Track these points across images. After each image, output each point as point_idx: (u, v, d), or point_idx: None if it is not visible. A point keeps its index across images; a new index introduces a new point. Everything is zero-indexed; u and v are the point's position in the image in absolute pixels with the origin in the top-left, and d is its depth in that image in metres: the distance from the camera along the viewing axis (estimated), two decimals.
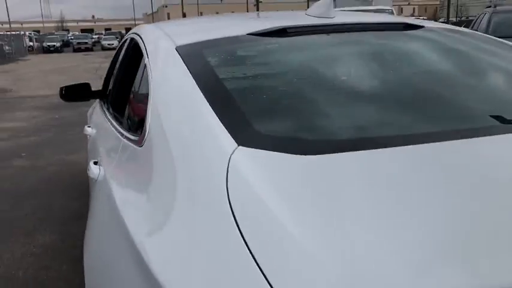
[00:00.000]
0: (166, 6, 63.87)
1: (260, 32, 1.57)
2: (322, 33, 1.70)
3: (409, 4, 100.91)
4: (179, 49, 1.45)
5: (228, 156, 0.92)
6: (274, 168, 0.91)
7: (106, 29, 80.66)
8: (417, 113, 1.24)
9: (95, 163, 1.66)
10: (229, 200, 0.82)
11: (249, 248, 0.73)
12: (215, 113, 1.08)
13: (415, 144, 0.99)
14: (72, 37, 48.30)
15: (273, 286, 0.66)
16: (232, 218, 0.78)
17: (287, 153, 0.93)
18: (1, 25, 63.66)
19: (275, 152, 0.94)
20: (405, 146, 0.98)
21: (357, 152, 0.96)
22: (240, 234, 0.75)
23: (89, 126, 2.71)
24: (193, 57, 1.40)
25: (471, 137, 1.04)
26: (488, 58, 1.70)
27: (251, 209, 0.81)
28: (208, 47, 1.51)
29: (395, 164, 0.94)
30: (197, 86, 1.21)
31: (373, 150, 0.96)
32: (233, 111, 1.13)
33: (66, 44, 44.01)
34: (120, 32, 54.13)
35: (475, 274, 0.69)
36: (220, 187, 0.85)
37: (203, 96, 1.16)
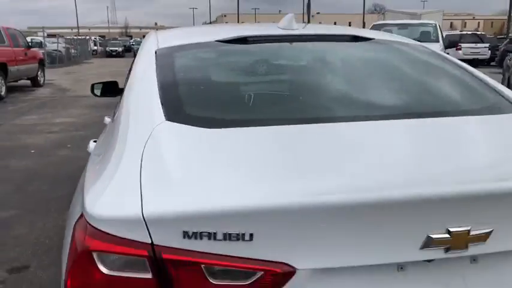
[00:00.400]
0: (225, 16, 65.23)
1: (226, 39, 1.94)
2: (275, 41, 2.06)
3: (473, 19, 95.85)
4: (158, 51, 1.86)
5: (154, 126, 1.32)
6: (183, 134, 1.31)
7: None
8: (305, 103, 1.64)
9: (94, 141, 2.09)
10: (144, 148, 1.23)
11: (141, 173, 1.12)
12: (159, 96, 1.49)
13: (296, 124, 1.38)
14: (134, 43, 50.45)
15: (143, 194, 1.04)
16: (140, 157, 1.18)
17: (196, 126, 1.32)
18: (71, 30, 67.83)
19: (188, 125, 1.32)
20: (284, 126, 1.36)
21: (238, 128, 1.36)
22: (140, 166, 1.15)
23: (108, 117, 3.18)
24: (164, 56, 1.81)
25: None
26: (401, 65, 2.00)
27: (155, 155, 1.21)
28: (179, 49, 1.92)
29: (270, 136, 1.32)
30: (155, 77, 1.61)
31: (254, 127, 1.35)
32: (172, 96, 1.53)
33: (127, 49, 45.81)
34: None
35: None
36: (143, 142, 1.25)
37: (156, 84, 1.56)
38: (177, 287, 1.02)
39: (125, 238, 1.00)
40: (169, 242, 1.00)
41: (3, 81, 11.16)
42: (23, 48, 12.81)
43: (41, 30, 25.13)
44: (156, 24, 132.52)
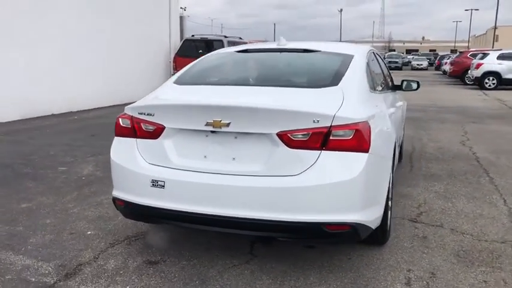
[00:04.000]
0: (496, 28, 60.15)
1: (239, 50, 3.70)
2: (264, 52, 3.79)
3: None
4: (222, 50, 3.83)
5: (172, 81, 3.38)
6: (171, 88, 3.24)
7: (430, 50, 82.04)
8: (248, 77, 3.44)
9: None
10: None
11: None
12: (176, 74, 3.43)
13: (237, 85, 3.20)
14: (387, 56, 51.61)
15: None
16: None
17: (177, 84, 3.25)
18: None
19: (175, 84, 3.26)
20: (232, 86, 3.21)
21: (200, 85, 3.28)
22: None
23: None
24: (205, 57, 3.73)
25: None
26: (305, 62, 3.55)
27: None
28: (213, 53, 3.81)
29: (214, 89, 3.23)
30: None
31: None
32: (184, 74, 3.43)
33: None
34: (434, 53, 53.91)
35: None
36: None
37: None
38: (137, 133, 2.89)
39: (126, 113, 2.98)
40: (135, 115, 2.91)
41: None
42: None
43: None
44: (423, 38, 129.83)
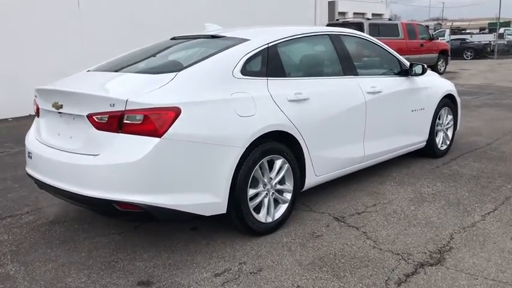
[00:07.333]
0: None
1: (172, 38, 3.97)
2: (183, 39, 3.96)
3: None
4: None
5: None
6: (75, 75, 3.71)
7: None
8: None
9: None
10: None
11: None
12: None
13: None
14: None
15: None
16: None
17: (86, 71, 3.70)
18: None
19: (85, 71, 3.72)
20: None
21: None
22: None
23: None
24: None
25: None
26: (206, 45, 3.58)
27: None
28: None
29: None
30: None
31: None
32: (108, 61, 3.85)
33: None
34: None
35: None
36: None
37: None
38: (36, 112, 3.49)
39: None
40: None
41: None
42: (418, 41, 14.93)
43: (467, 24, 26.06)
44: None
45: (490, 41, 28.53)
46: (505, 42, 29.57)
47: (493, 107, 8.77)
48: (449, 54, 17.15)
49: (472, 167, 4.82)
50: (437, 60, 15.90)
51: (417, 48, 14.86)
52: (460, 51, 25.78)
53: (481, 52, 26.29)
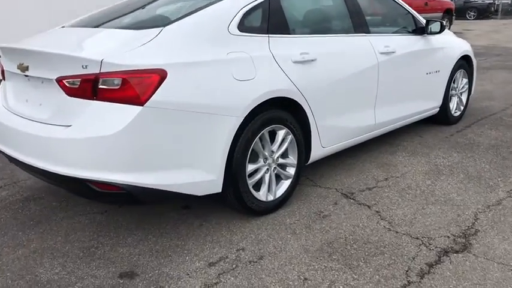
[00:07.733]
0: None
1: None
2: None
3: None
4: None
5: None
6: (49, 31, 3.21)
7: None
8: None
9: None
10: None
11: None
12: None
13: None
14: None
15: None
16: None
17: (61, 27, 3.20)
18: None
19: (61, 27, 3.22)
20: None
21: None
22: None
23: None
24: None
25: None
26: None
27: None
28: None
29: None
30: None
31: None
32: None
33: None
34: None
35: None
36: None
37: None
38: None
39: None
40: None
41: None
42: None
43: None
44: None
45: (494, 0, 27.63)
46: (509, 2, 28.73)
47: (503, 69, 8.29)
48: (454, 13, 16.46)
49: (489, 135, 4.42)
50: (441, 19, 15.25)
51: (421, 7, 14.23)
52: (463, 10, 24.88)
53: (484, 12, 25.42)
